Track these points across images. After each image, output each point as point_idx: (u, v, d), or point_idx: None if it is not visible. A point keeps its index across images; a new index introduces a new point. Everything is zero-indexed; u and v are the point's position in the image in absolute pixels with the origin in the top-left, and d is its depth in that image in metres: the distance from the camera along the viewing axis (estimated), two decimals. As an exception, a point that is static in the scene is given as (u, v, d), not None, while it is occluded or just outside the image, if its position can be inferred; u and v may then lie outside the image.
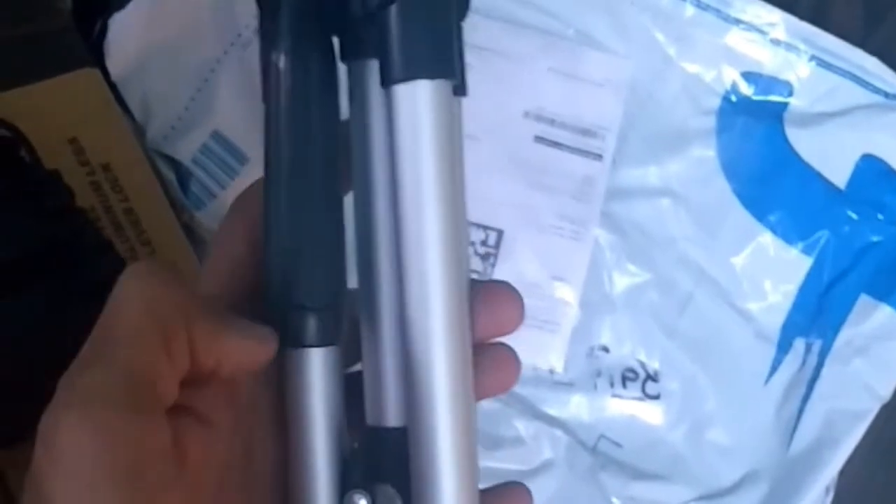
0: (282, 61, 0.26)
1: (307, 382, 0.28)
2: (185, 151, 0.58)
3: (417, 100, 0.25)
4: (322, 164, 0.27)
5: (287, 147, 0.27)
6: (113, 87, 0.57)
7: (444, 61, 0.26)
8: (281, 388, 0.28)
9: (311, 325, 0.27)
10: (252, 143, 0.58)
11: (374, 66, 0.26)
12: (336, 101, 0.28)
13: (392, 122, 0.26)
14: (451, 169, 0.26)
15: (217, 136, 0.58)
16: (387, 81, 0.26)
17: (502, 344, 0.30)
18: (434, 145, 0.25)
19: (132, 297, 0.25)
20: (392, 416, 0.28)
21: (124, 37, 0.57)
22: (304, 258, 0.27)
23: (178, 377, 0.25)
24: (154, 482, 0.24)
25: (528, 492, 0.30)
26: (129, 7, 0.57)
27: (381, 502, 0.27)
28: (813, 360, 0.59)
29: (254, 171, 0.57)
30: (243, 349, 0.26)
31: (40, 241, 0.42)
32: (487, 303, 0.28)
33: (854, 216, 0.59)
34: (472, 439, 0.26)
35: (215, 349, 0.26)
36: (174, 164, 0.59)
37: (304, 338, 0.27)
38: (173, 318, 0.25)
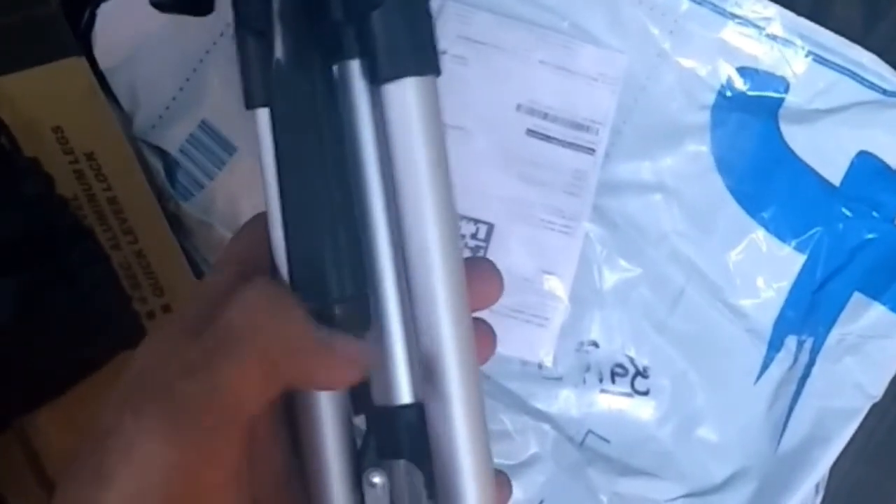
0: (283, 62, 0.28)
1: None
2: (172, 141, 0.58)
3: (407, 96, 0.28)
4: (334, 159, 0.29)
5: (302, 146, 0.28)
6: (100, 76, 0.57)
7: (428, 58, 0.28)
8: None
9: (339, 316, 0.28)
10: (240, 133, 0.57)
11: (354, 66, 0.29)
12: (335, 97, 0.29)
13: (385, 117, 0.28)
14: (442, 154, 0.28)
15: (205, 125, 0.58)
16: (376, 81, 0.28)
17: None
18: (426, 135, 0.28)
19: (247, 322, 0.26)
20: (404, 394, 0.29)
21: (112, 26, 0.57)
22: (327, 252, 0.28)
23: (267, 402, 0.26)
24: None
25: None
26: (117, -4, 0.57)
27: (397, 477, 0.28)
28: (804, 357, 0.58)
29: (242, 161, 0.57)
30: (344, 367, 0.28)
31: (15, 228, 0.42)
32: (470, 278, 0.29)
33: (848, 213, 0.58)
34: (483, 401, 0.29)
35: (314, 378, 0.27)
36: (161, 154, 0.58)
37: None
38: (284, 350, 0.26)
